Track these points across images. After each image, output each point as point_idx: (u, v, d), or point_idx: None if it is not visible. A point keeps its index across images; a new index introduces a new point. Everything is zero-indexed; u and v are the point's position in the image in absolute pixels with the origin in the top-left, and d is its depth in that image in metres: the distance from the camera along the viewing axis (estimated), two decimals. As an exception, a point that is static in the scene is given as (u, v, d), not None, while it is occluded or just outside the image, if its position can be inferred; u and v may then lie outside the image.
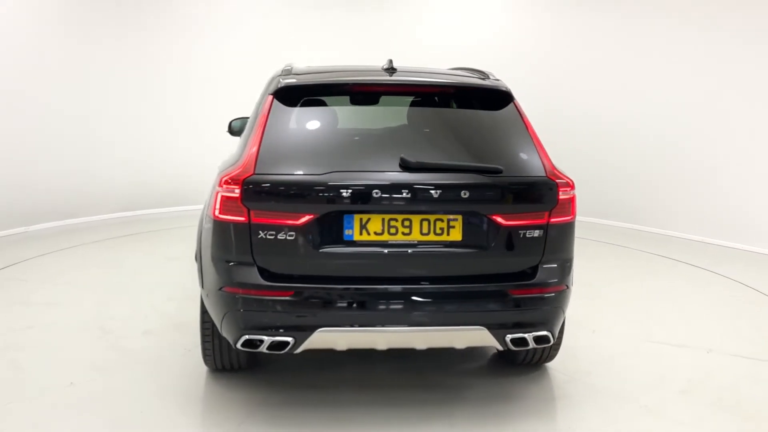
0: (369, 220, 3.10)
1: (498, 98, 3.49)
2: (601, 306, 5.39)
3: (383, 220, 3.10)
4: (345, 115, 3.50)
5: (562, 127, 9.17)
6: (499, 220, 3.14)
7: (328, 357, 3.97)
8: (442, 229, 3.14)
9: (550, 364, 4.09)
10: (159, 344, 4.33)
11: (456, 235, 3.14)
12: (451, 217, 3.13)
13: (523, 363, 3.99)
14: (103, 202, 8.65)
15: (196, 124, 9.17)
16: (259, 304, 3.11)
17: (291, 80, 3.43)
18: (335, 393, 3.67)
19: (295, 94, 3.39)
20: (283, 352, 3.13)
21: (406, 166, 3.09)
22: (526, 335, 3.21)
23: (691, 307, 5.49)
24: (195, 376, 3.84)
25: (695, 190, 8.24)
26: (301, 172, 3.10)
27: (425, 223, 3.12)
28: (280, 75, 3.57)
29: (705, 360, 4.29)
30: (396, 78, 3.50)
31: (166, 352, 4.19)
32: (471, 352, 4.20)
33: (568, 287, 3.37)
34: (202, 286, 3.43)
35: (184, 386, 3.73)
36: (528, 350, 3.86)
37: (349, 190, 3.04)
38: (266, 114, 3.30)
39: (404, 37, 10.09)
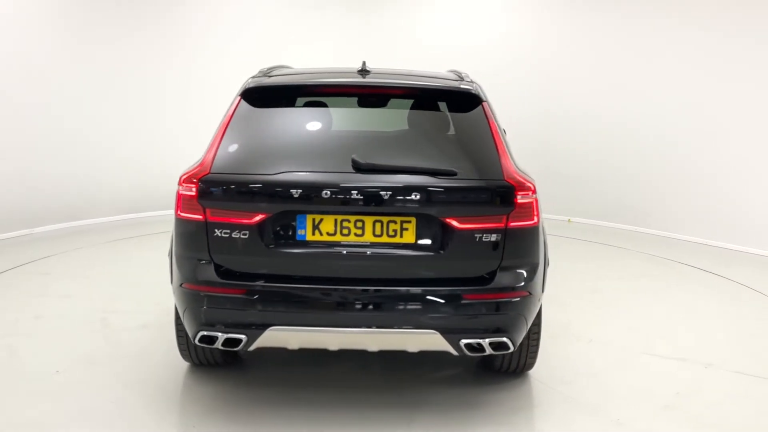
0: (321, 220, 3.11)
1: (465, 101, 3.44)
2: (605, 315, 5.22)
3: (336, 220, 3.11)
4: (309, 117, 3.51)
5: (563, 127, 9.16)
6: (454, 223, 3.09)
7: (308, 355, 3.97)
8: (395, 231, 3.12)
9: (532, 373, 3.99)
10: (152, 338, 4.46)
11: (409, 237, 3.12)
12: (405, 219, 3.11)
13: (501, 370, 3.90)
14: (106, 204, 8.63)
15: (197, 127, 8.98)
16: (215, 301, 3.17)
17: (258, 82, 3.49)
18: (298, 392, 3.69)
19: (261, 95, 3.44)
20: (237, 349, 3.19)
21: (357, 167, 3.09)
22: (481, 341, 3.15)
23: (701, 318, 5.28)
24: (174, 370, 3.94)
25: (697, 191, 8.18)
26: (255, 172, 3.15)
27: (378, 225, 3.11)
28: (253, 77, 3.63)
29: (701, 375, 4.08)
30: (360, 80, 3.51)
31: (155, 346, 4.31)
32: (450, 358, 4.13)
33: (531, 294, 3.28)
34: (171, 282, 3.52)
35: (161, 380, 3.83)
36: (503, 357, 3.79)
37: (299, 190, 3.06)
38: (231, 115, 3.37)
39: (405, 38, 10.20)
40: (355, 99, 3.64)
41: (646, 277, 6.50)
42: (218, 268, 3.19)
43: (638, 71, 8.52)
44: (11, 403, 3.51)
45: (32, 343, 4.37)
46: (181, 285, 3.26)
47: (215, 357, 3.84)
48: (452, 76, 3.72)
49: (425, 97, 3.54)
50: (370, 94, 3.58)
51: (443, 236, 3.11)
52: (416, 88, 3.50)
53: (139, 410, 3.47)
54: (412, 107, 3.57)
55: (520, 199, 3.14)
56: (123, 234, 7.90)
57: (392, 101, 3.59)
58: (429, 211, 3.09)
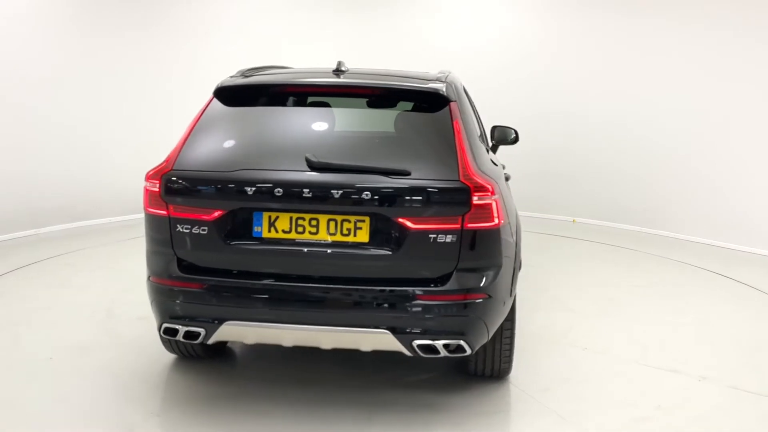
0: (277, 218, 3.15)
1: (432, 101, 3.41)
2: (608, 321, 5.07)
3: (291, 218, 3.14)
4: (273, 116, 3.54)
5: (567, 128, 9.18)
6: (407, 223, 3.07)
7: (288, 351, 3.99)
8: (349, 230, 3.12)
9: (511, 378, 3.92)
10: (147, 329, 4.56)
11: (363, 236, 3.12)
12: (359, 218, 3.11)
13: (477, 374, 3.85)
14: (112, 204, 8.64)
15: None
16: (176, 294, 3.26)
17: (228, 82, 3.56)
18: (259, 388, 3.73)
19: (231, 94, 3.52)
20: (196, 342, 3.27)
21: (311, 166, 3.11)
22: (434, 343, 3.11)
23: (708, 326, 5.09)
24: (160, 362, 4.05)
25: (703, 192, 8.18)
26: (214, 169, 3.22)
27: (332, 224, 3.13)
28: (230, 76, 3.71)
29: (691, 387, 3.90)
30: (327, 80, 3.53)
31: (148, 337, 4.39)
32: (427, 362, 4.08)
33: (492, 297, 3.22)
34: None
35: (143, 371, 3.94)
36: (476, 361, 3.74)
37: (254, 188, 3.11)
38: (201, 113, 3.47)
39: (414, 38, 10.24)
40: (324, 99, 3.66)
41: (656, 280, 6.38)
42: (180, 263, 3.27)
43: (644, 72, 8.48)
44: (-3, 385, 3.71)
45: (36, 330, 4.60)
46: (149, 278, 3.37)
47: (195, 350, 3.93)
48: (429, 76, 3.69)
49: (392, 97, 3.53)
50: (337, 94, 3.60)
51: (397, 236, 3.10)
52: (383, 88, 3.49)
53: (116, 398, 3.59)
54: (379, 107, 3.56)
55: (476, 201, 3.09)
56: (131, 234, 7.97)
57: (360, 101, 3.59)
58: (382, 210, 3.08)
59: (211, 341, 3.24)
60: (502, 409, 3.59)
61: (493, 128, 5.33)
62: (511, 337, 3.66)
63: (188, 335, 3.25)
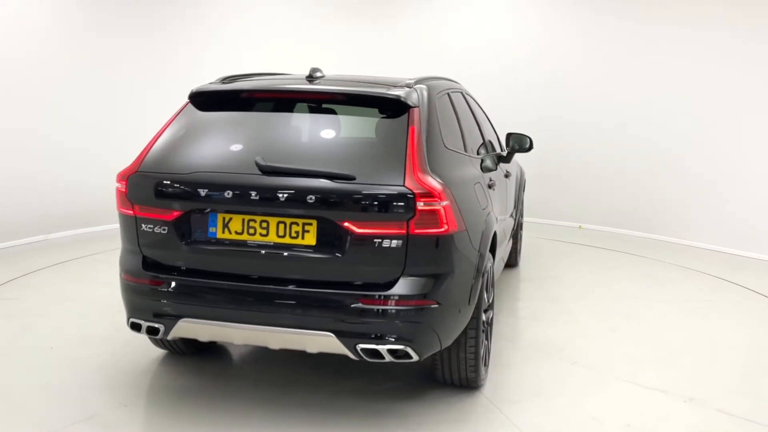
0: (231, 219, 3.25)
1: (392, 107, 3.42)
2: (612, 337, 4.89)
3: (243, 220, 3.23)
4: (236, 121, 3.63)
5: (574, 134, 9.19)
6: (353, 227, 3.10)
7: (278, 353, 4.05)
8: (297, 232, 3.18)
9: (484, 390, 3.85)
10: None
11: (310, 239, 3.16)
12: (306, 221, 3.16)
13: (445, 383, 3.81)
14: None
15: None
16: (139, 291, 3.42)
17: (200, 87, 3.70)
18: (230, 386, 3.83)
19: (202, 99, 3.66)
20: (157, 337, 3.41)
21: (261, 169, 3.19)
22: (378, 347, 3.12)
23: (713, 341, 4.83)
24: (149, 356, 4.21)
25: (709, 197, 8.19)
26: (173, 171, 3.35)
27: (281, 226, 3.19)
28: (210, 83, 3.84)
29: (672, 408, 3.70)
30: (292, 86, 3.62)
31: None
32: (398, 368, 4.07)
33: (441, 304, 3.19)
34: None
35: (130, 364, 4.11)
36: (442, 370, 3.70)
37: (207, 190, 3.22)
38: (173, 117, 3.62)
39: (430, 41, 10.30)
40: (289, 105, 3.71)
41: (669, 292, 6.14)
42: (145, 261, 3.43)
43: (650, 77, 8.51)
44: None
45: (47, 322, 4.88)
46: (120, 275, 3.54)
47: (179, 345, 4.08)
48: (400, 83, 3.69)
49: (354, 104, 3.55)
50: (301, 100, 3.66)
51: (342, 240, 3.12)
52: (345, 94, 3.53)
53: (93, 388, 3.76)
54: (340, 113, 3.59)
55: (421, 206, 3.08)
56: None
57: (324, 107, 3.62)
58: (327, 214, 3.12)
59: (170, 337, 3.38)
60: (460, 418, 3.53)
61: (509, 135, 5.32)
62: (477, 345, 3.60)
63: (150, 330, 3.40)
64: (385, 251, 3.11)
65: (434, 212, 3.11)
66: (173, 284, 3.34)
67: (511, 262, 6.67)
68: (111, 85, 8.35)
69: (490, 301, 4.06)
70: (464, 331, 3.55)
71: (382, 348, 3.13)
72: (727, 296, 6.15)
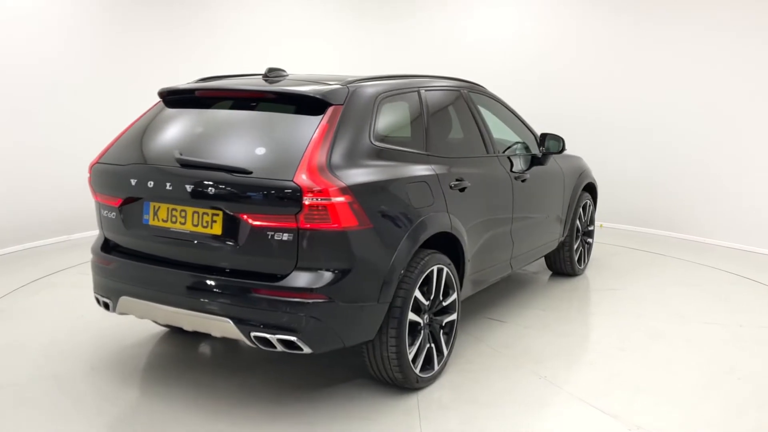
0: (159, 208, 3.55)
1: (312, 104, 3.50)
2: (610, 343, 4.53)
3: (168, 209, 3.52)
4: (182, 118, 3.86)
5: (592, 132, 8.92)
6: (249, 219, 3.26)
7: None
8: (207, 222, 3.40)
9: (422, 390, 3.80)
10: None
11: (217, 229, 3.37)
12: (214, 212, 3.37)
13: (380, 381, 3.82)
14: None
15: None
16: (97, 269, 3.87)
17: (166, 87, 4.03)
18: (203, 375, 4.08)
19: (169, 97, 4.01)
20: (109, 311, 3.81)
21: (179, 162, 3.45)
22: (269, 336, 3.25)
23: (717, 362, 4.16)
24: (142, 346, 4.47)
25: (729, 195, 7.97)
26: (117, 163, 3.73)
27: (196, 216, 3.43)
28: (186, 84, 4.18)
29: (611, 435, 3.39)
30: (228, 85, 3.88)
31: (142, 326, 4.72)
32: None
33: (333, 300, 3.24)
34: None
35: (124, 355, 4.33)
36: (375, 368, 3.71)
37: (136, 180, 3.56)
38: (142, 114, 4.00)
39: (444, 40, 10.22)
40: (228, 104, 3.88)
41: (694, 300, 5.45)
42: (106, 243, 3.86)
43: (668, 75, 8.35)
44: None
45: (52, 311, 5.17)
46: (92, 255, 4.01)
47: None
48: (338, 80, 3.76)
49: (281, 101, 3.66)
50: (235, 99, 3.84)
51: (240, 231, 3.29)
52: (271, 92, 3.67)
53: (82, 378, 3.96)
54: (267, 111, 3.70)
55: (308, 201, 3.15)
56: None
57: (256, 104, 3.74)
58: (227, 206, 3.31)
59: (117, 312, 3.76)
60: (370, 416, 3.52)
61: (543, 136, 5.34)
62: (398, 345, 3.57)
63: (105, 305, 3.82)
64: (277, 243, 3.23)
65: (323, 207, 3.17)
66: (116, 264, 3.72)
67: (566, 270, 6.30)
68: (127, 87, 8.16)
69: (448, 303, 3.98)
70: (385, 330, 3.55)
71: (272, 337, 3.25)
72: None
